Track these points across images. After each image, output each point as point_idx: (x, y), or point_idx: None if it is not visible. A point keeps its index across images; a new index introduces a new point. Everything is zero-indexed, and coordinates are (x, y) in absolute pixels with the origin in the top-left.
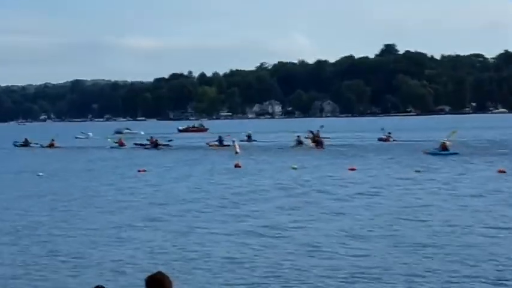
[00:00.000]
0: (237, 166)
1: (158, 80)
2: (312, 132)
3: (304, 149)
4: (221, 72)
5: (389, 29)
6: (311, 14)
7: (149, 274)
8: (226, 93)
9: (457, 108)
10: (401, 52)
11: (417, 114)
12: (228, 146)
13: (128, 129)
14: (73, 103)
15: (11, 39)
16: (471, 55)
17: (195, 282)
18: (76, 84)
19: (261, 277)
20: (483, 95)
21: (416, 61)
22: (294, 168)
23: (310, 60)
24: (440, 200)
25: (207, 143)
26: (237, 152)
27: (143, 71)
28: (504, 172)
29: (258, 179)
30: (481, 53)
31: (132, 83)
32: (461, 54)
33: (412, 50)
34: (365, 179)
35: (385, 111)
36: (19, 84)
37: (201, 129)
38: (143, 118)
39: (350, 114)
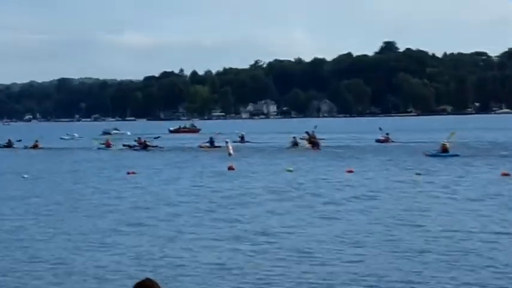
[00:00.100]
0: (230, 168)
1: (148, 79)
2: (307, 133)
3: (299, 150)
4: (214, 71)
5: (389, 25)
6: (308, 9)
7: (137, 281)
8: (219, 92)
9: (459, 108)
10: (401, 50)
11: (418, 115)
12: (220, 147)
13: (116, 129)
14: (60, 102)
15: None
16: (474, 53)
17: None
18: (63, 83)
19: (251, 284)
20: (486, 95)
21: (417, 59)
22: (289, 171)
23: (307, 58)
24: (439, 204)
25: (199, 145)
26: (230, 154)
27: (133, 69)
28: (508, 175)
29: (252, 182)
30: (484, 51)
31: (122, 82)
32: (464, 52)
33: (413, 47)
34: (362, 182)
35: (385, 112)
36: (3, 83)
37: (193, 130)
38: (133, 118)
39: (348, 115)
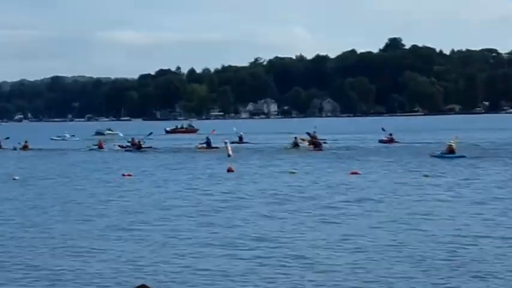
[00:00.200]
0: (229, 170)
1: (144, 77)
2: (308, 134)
3: (301, 151)
4: (212, 68)
5: (395, 21)
6: (309, 5)
7: (134, 286)
8: (217, 91)
9: (468, 107)
10: (407, 47)
11: (425, 114)
12: (217, 148)
13: (110, 129)
14: (52, 101)
15: None
16: (483, 50)
17: None
18: (55, 81)
19: None
20: (496, 93)
21: (424, 56)
22: (292, 173)
23: (309, 55)
24: (444, 207)
25: (196, 146)
26: (229, 155)
27: (128, 67)
28: None
29: (253, 185)
30: (494, 47)
31: (116, 80)
32: (473, 49)
33: (420, 44)
34: (367, 184)
35: (391, 111)
36: None
37: (190, 130)
38: (128, 118)
39: (352, 114)
